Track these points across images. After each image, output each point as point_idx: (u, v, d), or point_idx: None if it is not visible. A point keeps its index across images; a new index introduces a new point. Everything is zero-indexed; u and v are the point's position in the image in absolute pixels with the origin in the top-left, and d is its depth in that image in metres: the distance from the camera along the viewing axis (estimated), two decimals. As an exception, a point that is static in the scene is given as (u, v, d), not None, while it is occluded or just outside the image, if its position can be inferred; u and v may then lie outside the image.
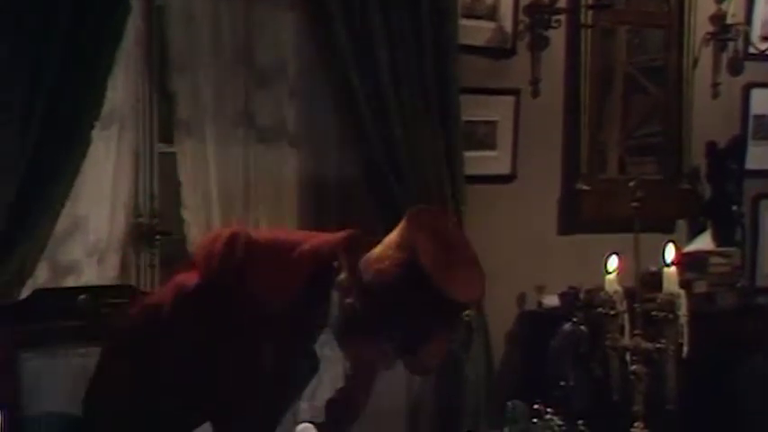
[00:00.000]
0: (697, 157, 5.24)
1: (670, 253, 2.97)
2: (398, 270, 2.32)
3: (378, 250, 2.38)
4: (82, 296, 3.14)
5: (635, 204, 3.11)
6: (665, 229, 5.00)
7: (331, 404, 2.62)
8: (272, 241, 2.55)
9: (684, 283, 3.25)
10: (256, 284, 2.41)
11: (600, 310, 3.02)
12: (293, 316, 2.43)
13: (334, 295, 2.43)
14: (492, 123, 4.71)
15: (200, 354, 2.40)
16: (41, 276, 3.66)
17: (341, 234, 2.48)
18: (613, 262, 3.03)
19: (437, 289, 2.29)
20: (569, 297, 4.54)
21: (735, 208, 5.22)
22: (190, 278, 2.47)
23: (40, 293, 3.31)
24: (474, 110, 4.56)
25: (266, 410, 2.49)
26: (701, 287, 4.77)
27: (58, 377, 2.74)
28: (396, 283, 2.33)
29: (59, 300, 3.14)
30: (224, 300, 2.41)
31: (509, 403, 3.10)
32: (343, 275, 2.40)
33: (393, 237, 2.39)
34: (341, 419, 2.70)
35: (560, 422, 3.05)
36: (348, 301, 2.38)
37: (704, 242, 5.05)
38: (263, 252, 2.47)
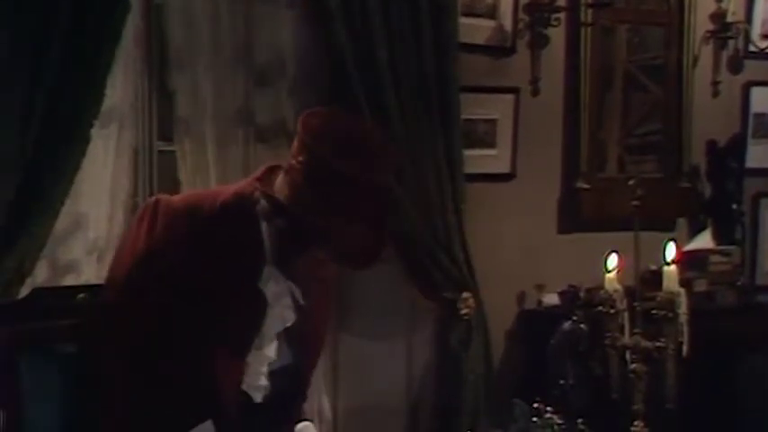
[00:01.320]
0: (697, 156, 5.24)
1: (671, 252, 2.96)
2: (305, 170, 2.39)
3: (285, 164, 2.46)
4: (81, 295, 3.13)
5: (635, 203, 3.10)
6: (666, 227, 4.99)
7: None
8: (194, 197, 2.65)
9: (684, 282, 3.25)
10: (188, 239, 2.46)
11: (600, 308, 3.02)
12: (233, 260, 2.45)
13: (263, 226, 2.46)
14: (492, 122, 4.70)
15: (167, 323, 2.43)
16: (41, 275, 3.66)
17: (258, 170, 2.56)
18: (613, 260, 3.03)
19: (342, 174, 2.35)
20: (569, 295, 4.54)
21: (735, 206, 5.21)
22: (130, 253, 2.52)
23: (39, 292, 3.31)
24: (474, 108, 4.56)
25: (233, 357, 2.49)
26: (701, 285, 4.77)
27: (58, 377, 2.73)
28: (305, 184, 2.38)
29: (59, 299, 3.13)
30: (163, 266, 2.43)
31: (515, 400, 3.10)
32: (262, 201, 2.45)
33: (294, 145, 2.45)
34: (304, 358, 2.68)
35: (560, 421, 3.05)
36: (275, 224, 2.44)
37: (704, 240, 5.04)
38: (185, 210, 2.52)
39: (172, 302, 2.43)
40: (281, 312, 2.56)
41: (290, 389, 2.66)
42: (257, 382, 2.56)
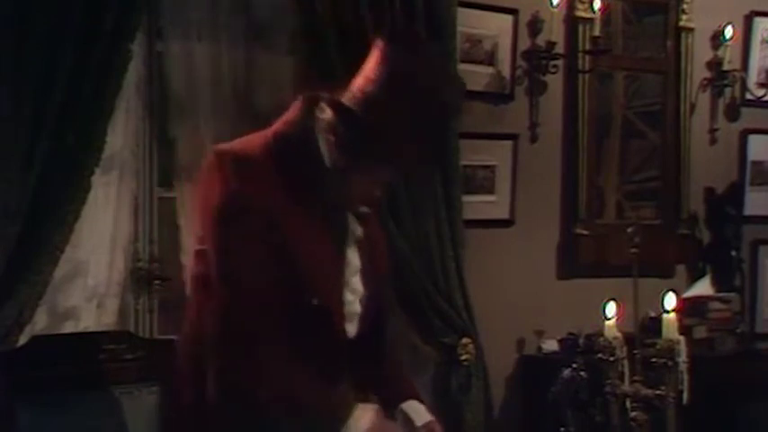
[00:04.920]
0: (695, 203, 5.25)
1: (670, 301, 2.97)
2: (383, 82, 2.35)
3: (357, 80, 2.41)
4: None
5: (634, 250, 3.11)
6: (665, 274, 5.00)
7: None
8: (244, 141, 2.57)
9: (684, 329, 3.25)
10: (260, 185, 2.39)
11: (599, 355, 3.02)
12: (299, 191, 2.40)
13: (321, 143, 2.44)
14: (490, 168, 4.72)
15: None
16: (40, 322, 3.65)
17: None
18: (612, 308, 3.03)
19: (423, 88, 2.33)
20: (569, 343, 4.53)
21: (734, 253, 5.22)
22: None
23: (38, 340, 3.29)
24: (472, 154, 4.57)
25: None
26: (700, 332, 4.76)
27: (57, 425, 2.72)
28: (382, 95, 2.35)
29: (58, 346, 3.12)
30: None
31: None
32: (328, 111, 2.43)
33: (369, 64, 2.41)
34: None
35: (561, 469, 3.04)
36: (331, 138, 2.41)
37: (704, 287, 5.04)
38: (246, 154, 2.47)
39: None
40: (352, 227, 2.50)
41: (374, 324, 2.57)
42: (353, 309, 2.48)
